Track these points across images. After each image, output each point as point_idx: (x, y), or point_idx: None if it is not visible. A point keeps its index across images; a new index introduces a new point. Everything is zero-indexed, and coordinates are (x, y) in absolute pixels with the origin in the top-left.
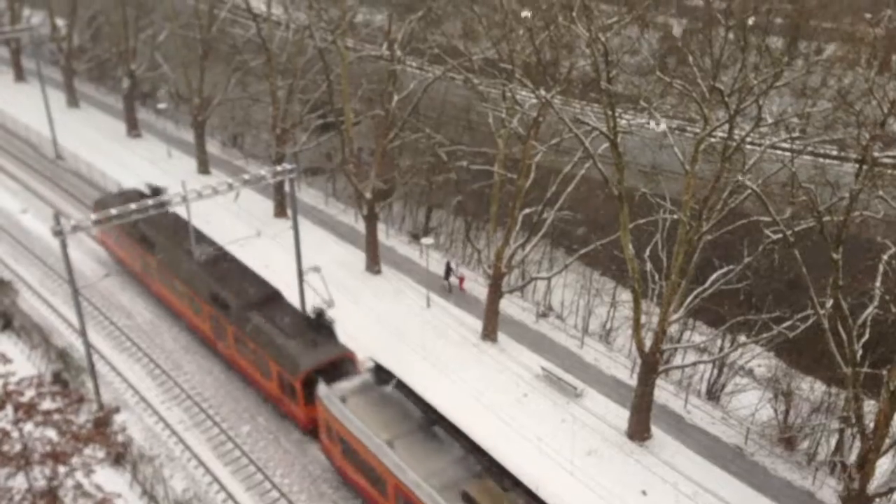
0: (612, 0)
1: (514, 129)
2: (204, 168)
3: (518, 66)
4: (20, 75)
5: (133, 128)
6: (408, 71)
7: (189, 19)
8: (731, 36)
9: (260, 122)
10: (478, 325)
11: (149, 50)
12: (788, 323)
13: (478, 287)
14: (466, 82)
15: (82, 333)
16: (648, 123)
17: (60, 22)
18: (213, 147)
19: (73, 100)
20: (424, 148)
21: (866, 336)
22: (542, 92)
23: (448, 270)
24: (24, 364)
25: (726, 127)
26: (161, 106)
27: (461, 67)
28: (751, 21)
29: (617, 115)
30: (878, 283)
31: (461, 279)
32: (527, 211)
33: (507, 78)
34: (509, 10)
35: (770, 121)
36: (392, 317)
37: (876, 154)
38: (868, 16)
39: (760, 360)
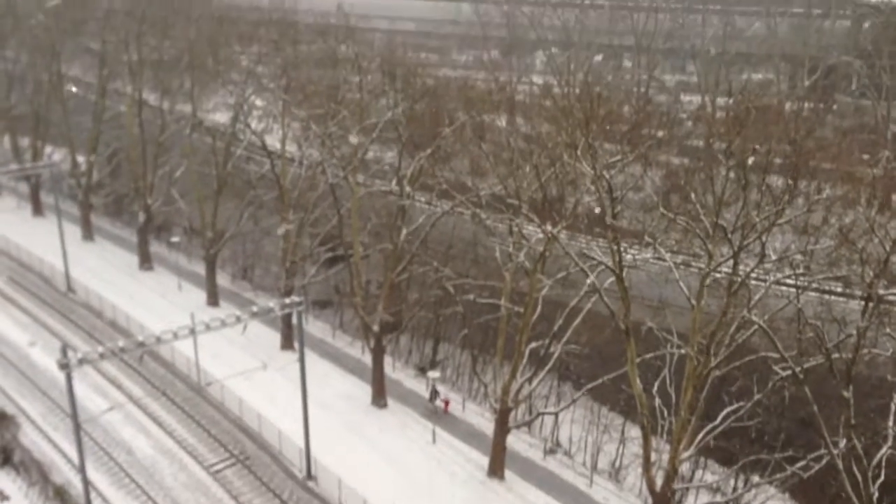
0: (616, 139)
1: (520, 263)
2: (213, 300)
3: (525, 201)
4: (38, 210)
5: (146, 261)
6: (416, 206)
7: (206, 156)
8: (732, 175)
9: (270, 255)
10: (484, 461)
11: (165, 185)
12: (802, 463)
13: (484, 422)
14: (474, 217)
15: (81, 470)
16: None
17: (80, 158)
18: (223, 279)
19: (88, 234)
20: (432, 281)
21: (882, 478)
22: (549, 227)
23: (434, 393)
24: (21, 501)
25: (731, 262)
26: (174, 239)
27: (469, 202)
28: (751, 161)
29: (622, 249)
30: (891, 423)
31: (446, 402)
32: (533, 345)
33: (514, 213)
34: (516, 148)
35: (774, 257)
36: (397, 452)
37: (881, 291)
38: (866, 157)
39: (775, 502)
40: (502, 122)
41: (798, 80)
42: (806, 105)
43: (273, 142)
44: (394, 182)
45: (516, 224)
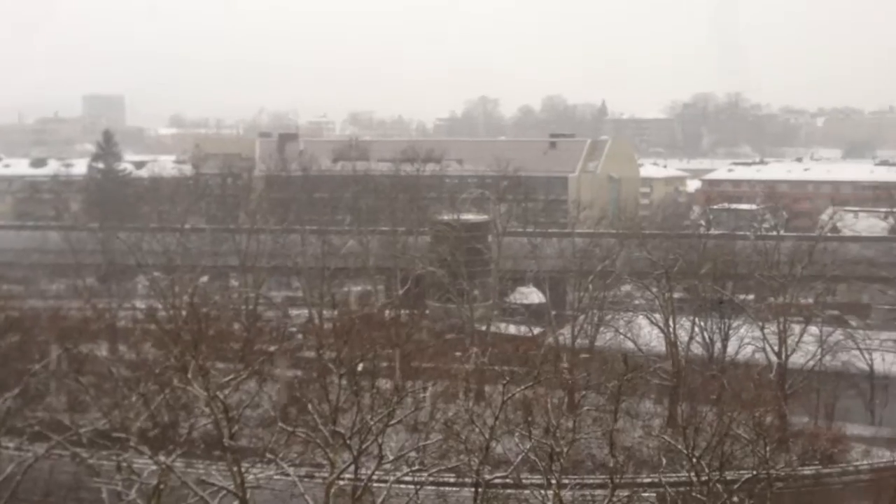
0: (228, 357)
1: (132, 502)
2: None
3: (133, 433)
4: None
5: None
6: (4, 453)
7: None
8: (344, 382)
9: None
10: None
11: None
12: None
13: None
14: (75, 458)
15: None
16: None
17: None
18: None
19: None
20: None
21: None
22: (162, 457)
23: None
24: None
25: (352, 468)
26: None
27: (67, 443)
28: (360, 367)
29: (244, 469)
30: None
31: None
32: None
33: (122, 447)
34: (120, 378)
35: (391, 457)
36: None
37: (487, 476)
38: (458, 354)
39: None
40: (103, 350)
41: (393, 289)
42: (403, 312)
43: None
44: None
45: (124, 459)
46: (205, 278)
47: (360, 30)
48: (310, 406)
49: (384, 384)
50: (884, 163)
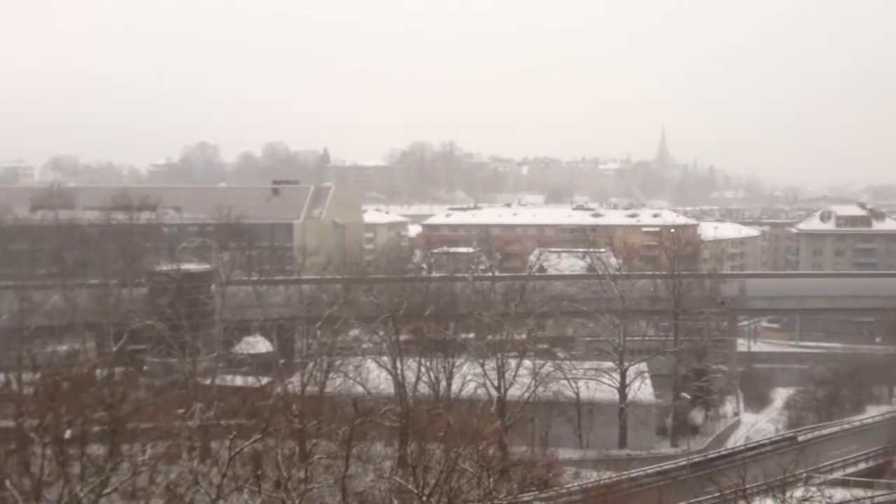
0: None
1: None
2: None
3: None
4: None
5: None
6: None
7: None
8: (49, 451)
9: None
10: None
11: None
12: None
13: None
14: None
15: None
16: None
17: None
18: None
19: None
20: None
21: None
22: None
23: None
24: None
25: None
26: None
27: None
28: (67, 434)
29: None
30: None
31: None
32: None
33: None
34: None
35: None
36: None
37: None
38: (181, 410)
39: None
40: None
41: (105, 346)
42: (117, 370)
43: None
44: None
45: None
46: None
47: (64, 72)
48: (7, 482)
49: (96, 450)
50: (580, 207)
